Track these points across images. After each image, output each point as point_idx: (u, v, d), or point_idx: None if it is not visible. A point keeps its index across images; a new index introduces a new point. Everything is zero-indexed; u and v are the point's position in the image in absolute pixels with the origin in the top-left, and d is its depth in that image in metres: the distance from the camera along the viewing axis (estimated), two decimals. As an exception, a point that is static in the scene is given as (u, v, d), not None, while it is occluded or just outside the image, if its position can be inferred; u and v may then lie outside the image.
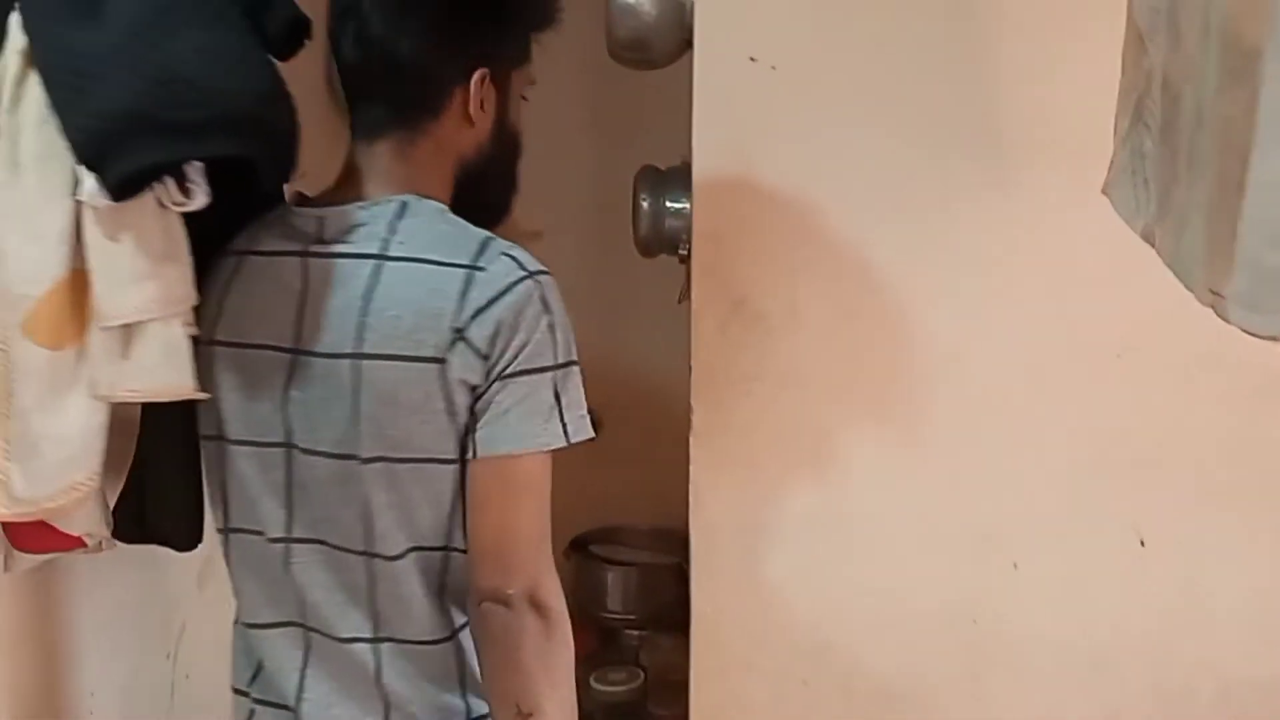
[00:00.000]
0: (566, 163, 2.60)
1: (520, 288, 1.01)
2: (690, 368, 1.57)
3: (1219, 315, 0.91)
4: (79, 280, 0.93)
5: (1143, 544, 1.50)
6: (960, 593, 1.54)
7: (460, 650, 1.07)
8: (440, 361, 0.99)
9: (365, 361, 1.00)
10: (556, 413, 1.01)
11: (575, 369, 1.04)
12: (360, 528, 1.03)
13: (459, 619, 1.07)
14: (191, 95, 0.92)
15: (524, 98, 1.18)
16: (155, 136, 0.91)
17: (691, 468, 1.54)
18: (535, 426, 1.01)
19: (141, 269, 0.94)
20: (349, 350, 1.00)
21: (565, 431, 1.01)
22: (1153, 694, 1.52)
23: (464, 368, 0.99)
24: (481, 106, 1.10)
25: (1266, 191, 0.86)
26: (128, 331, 0.95)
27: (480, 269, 1.01)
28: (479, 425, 1.00)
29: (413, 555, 1.03)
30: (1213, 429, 1.46)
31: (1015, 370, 1.49)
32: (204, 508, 1.14)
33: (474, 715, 1.06)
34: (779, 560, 1.56)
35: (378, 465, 1.01)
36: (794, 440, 1.54)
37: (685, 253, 1.75)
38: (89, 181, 0.91)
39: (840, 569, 1.56)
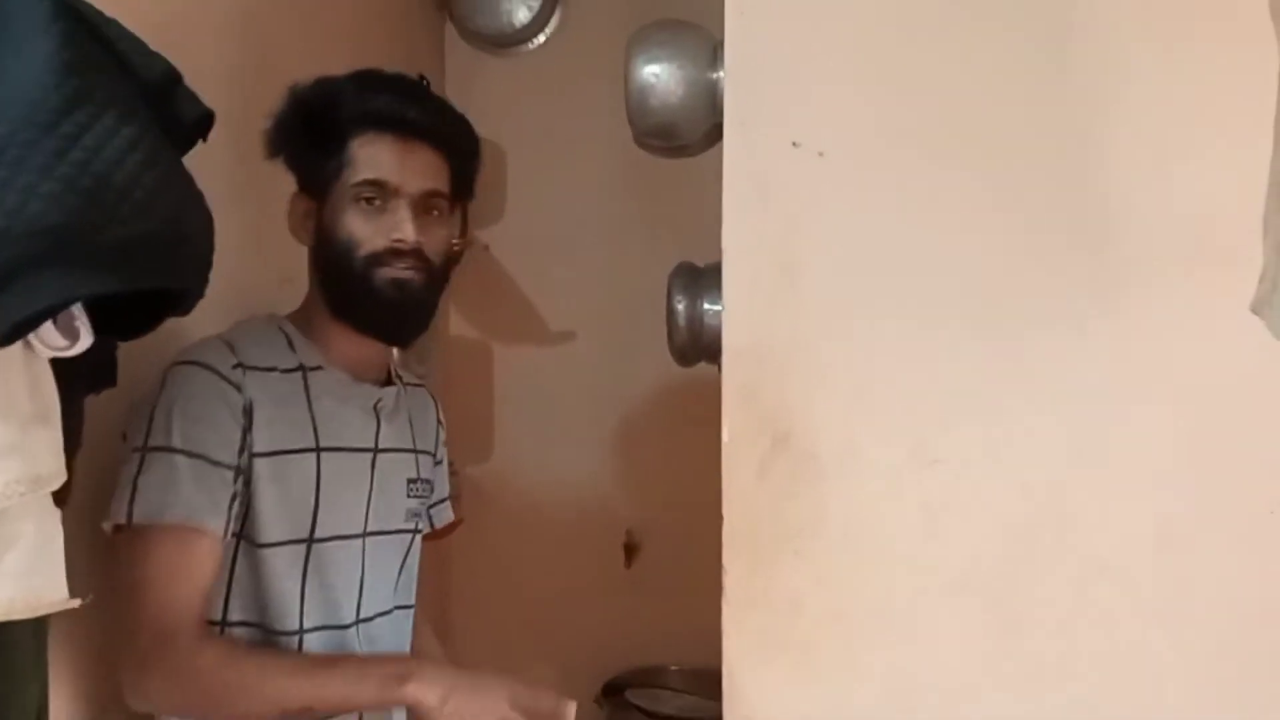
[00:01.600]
0: (597, 260, 2.40)
1: (158, 376, 1.12)
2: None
3: None
4: None
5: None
6: (1075, 814, 1.20)
7: None
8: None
9: None
10: (129, 491, 1.07)
11: (166, 455, 1.08)
12: None
13: None
14: (124, 208, 0.70)
15: (365, 200, 1.20)
16: (73, 266, 0.68)
17: (725, 648, 1.24)
18: (115, 504, 1.08)
19: (6, 436, 0.71)
20: None
21: (130, 510, 1.06)
22: None
23: None
24: (305, 218, 1.23)
25: None
26: None
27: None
28: None
29: None
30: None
31: (1138, 530, 1.17)
32: None
33: None
34: (839, 764, 1.24)
35: None
36: (856, 616, 1.23)
37: (726, 362, 1.51)
38: None
39: (918, 778, 1.23)
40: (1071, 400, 1.18)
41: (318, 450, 1.18)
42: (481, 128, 1.47)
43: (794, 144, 1.23)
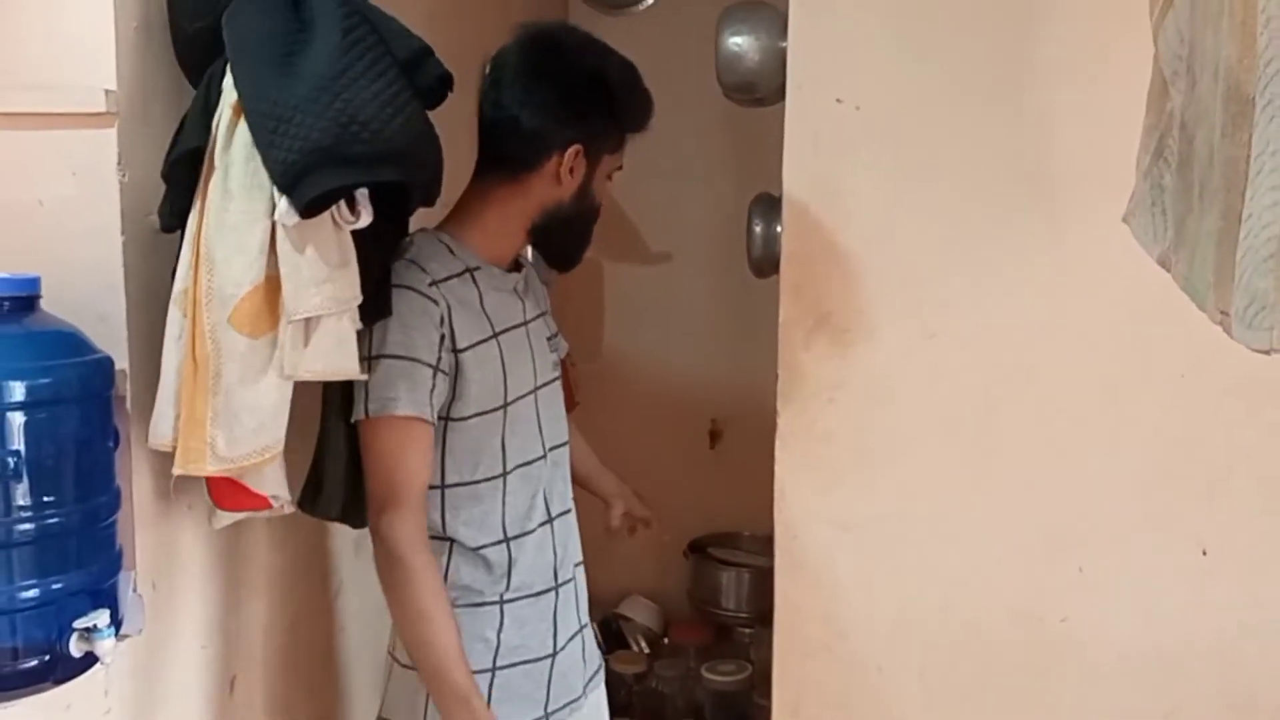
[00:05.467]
0: (691, 191, 2.81)
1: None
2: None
3: (1226, 332, 1.03)
4: (272, 284, 1.14)
5: (1205, 554, 1.57)
6: (1027, 593, 1.64)
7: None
8: None
9: None
10: (363, 392, 1.33)
11: (385, 361, 1.32)
12: None
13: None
14: (364, 134, 1.14)
15: (609, 178, 1.50)
16: (335, 167, 1.13)
17: (776, 468, 1.70)
18: (355, 404, 1.34)
19: (320, 274, 1.16)
20: None
21: (366, 409, 1.33)
22: (1215, 699, 1.58)
23: None
24: (571, 172, 1.42)
25: (1256, 224, 0.99)
26: (309, 324, 1.17)
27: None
28: None
29: None
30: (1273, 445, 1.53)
31: (1086, 387, 1.60)
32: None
33: None
34: (857, 556, 1.70)
35: None
36: (873, 445, 1.68)
37: (794, 274, 1.90)
38: (283, 204, 1.12)
39: (914, 567, 1.68)
40: (1038, 292, 1.60)
41: (495, 335, 1.43)
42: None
43: (837, 100, 1.65)
